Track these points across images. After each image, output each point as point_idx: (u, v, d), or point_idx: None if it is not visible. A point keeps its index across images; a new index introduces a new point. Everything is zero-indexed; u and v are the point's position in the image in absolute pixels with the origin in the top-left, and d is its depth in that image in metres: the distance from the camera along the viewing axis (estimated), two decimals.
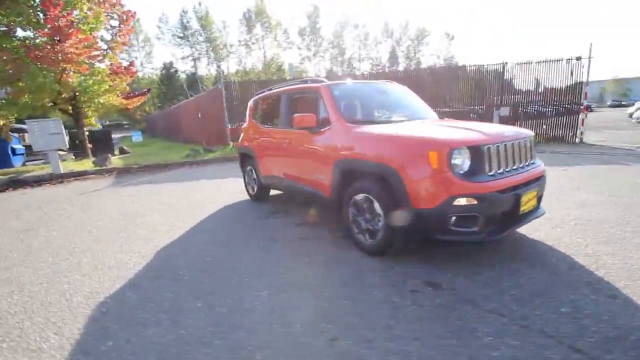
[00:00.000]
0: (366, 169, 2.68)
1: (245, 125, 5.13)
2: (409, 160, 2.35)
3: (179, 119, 19.75)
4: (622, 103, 42.63)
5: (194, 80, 43.37)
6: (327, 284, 2.35)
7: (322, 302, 2.11)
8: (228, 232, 3.60)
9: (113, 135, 15.30)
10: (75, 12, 10.01)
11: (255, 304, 2.13)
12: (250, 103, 4.96)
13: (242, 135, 5.13)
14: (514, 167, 2.50)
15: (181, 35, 41.91)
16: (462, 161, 2.27)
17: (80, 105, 11.66)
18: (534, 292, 2.06)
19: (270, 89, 4.52)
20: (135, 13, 11.77)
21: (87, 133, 12.60)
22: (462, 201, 2.23)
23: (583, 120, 10.14)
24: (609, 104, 47.79)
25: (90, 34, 10.23)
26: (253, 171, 4.72)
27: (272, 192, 4.81)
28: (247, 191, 5.04)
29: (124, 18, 11.68)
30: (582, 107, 10.26)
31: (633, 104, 23.58)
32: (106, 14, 11.17)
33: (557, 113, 10.87)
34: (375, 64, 50.64)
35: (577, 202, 3.84)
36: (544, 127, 10.79)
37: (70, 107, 11.62)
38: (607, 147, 8.56)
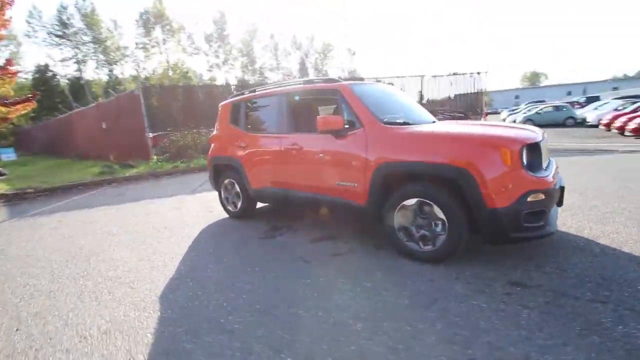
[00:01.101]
0: (424, 171, 2.52)
1: (216, 133, 4.45)
2: (481, 159, 2.27)
3: (70, 132, 16.47)
4: (498, 110, 52.57)
5: (79, 86, 36.80)
6: (415, 303, 2.08)
7: (435, 325, 1.84)
8: (237, 258, 2.98)
9: None
10: None
11: (367, 346, 1.74)
12: (224, 107, 4.32)
13: (214, 144, 4.43)
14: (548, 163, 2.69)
15: (60, 33, 35.10)
16: (529, 158, 2.32)
17: None
18: (606, 276, 2.20)
19: (254, 90, 4.01)
20: (13, 0, 9.32)
21: None
22: (533, 197, 2.26)
23: None
24: (487, 111, 58.21)
25: None
26: (235, 185, 4.09)
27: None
28: (226, 208, 4.34)
29: None
30: (484, 112, 12.18)
31: (501, 112, 29.80)
32: None
33: (464, 118, 12.65)
34: (287, 74, 51.48)
35: None
36: None
37: None
38: None
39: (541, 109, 19.46)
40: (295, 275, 2.56)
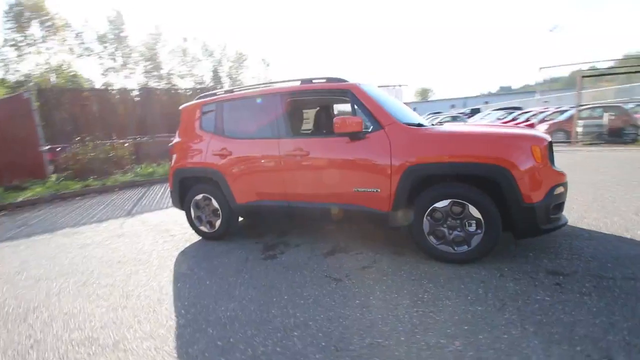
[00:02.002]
0: (460, 171, 2.47)
1: (179, 141, 3.74)
2: (517, 157, 2.33)
3: None
4: None
5: None
6: (489, 308, 1.97)
7: (526, 327, 1.76)
8: (249, 287, 2.47)
9: None
10: None
11: None
12: (189, 110, 3.67)
13: (177, 154, 3.71)
14: None
15: None
16: (550, 154, 2.49)
17: None
18: (615, 255, 2.47)
19: (231, 91, 3.51)
20: None
21: None
22: (558, 190, 2.43)
23: None
24: None
25: None
26: (212, 200, 3.48)
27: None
28: (198, 229, 3.65)
29: None
30: None
31: None
32: None
33: None
34: (199, 82, 48.44)
35: None
36: None
37: None
38: None
39: (442, 119, 22.45)
40: (338, 297, 2.23)
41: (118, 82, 41.79)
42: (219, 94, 3.57)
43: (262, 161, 3.19)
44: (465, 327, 1.80)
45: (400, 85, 13.46)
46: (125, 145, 10.82)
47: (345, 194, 2.86)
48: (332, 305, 2.12)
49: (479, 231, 2.45)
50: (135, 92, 13.19)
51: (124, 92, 12.77)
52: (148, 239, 3.89)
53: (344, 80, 2.99)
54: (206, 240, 3.62)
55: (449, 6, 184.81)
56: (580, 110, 11.31)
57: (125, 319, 2.17)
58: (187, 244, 3.57)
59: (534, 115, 15.11)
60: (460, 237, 2.51)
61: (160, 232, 4.13)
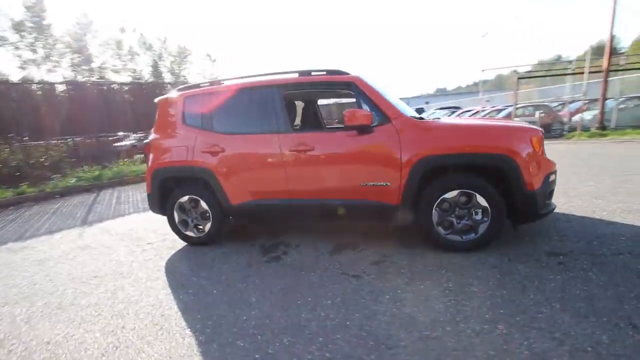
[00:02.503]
0: (470, 162, 2.56)
1: (157, 137, 3.38)
2: (521, 147, 2.47)
3: None
4: None
5: None
6: (518, 293, 2.06)
7: (555, 307, 1.87)
8: (265, 293, 2.30)
9: None
10: None
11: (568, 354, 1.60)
12: (169, 103, 3.33)
13: (154, 153, 3.33)
14: None
15: None
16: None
17: None
18: (597, 234, 2.76)
19: (219, 82, 3.24)
20: None
21: None
22: (551, 177, 2.64)
23: None
24: None
25: None
26: (201, 202, 3.19)
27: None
28: (183, 235, 3.33)
29: None
30: None
31: None
32: None
33: None
34: (137, 77, 44.73)
35: None
36: None
37: None
38: None
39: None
40: (365, 294, 2.17)
41: (40, 76, 36.91)
42: (203, 86, 3.28)
43: (260, 158, 3.01)
44: (501, 311, 1.86)
45: None
46: (61, 146, 9.58)
47: (351, 189, 2.81)
48: (363, 302, 2.06)
49: (485, 219, 2.57)
50: (63, 87, 11.70)
51: (50, 87, 11.25)
52: (121, 249, 3.45)
53: (346, 73, 2.93)
54: (192, 246, 3.32)
55: (388, 9, 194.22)
56: (517, 109, 12.62)
57: (130, 342, 1.88)
58: (172, 252, 3.23)
59: (474, 113, 16.53)
60: (467, 226, 2.61)
61: (132, 240, 3.69)
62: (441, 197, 2.60)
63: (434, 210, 2.63)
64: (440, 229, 2.66)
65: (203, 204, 3.19)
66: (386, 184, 2.71)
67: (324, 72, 2.96)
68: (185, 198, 3.23)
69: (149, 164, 3.34)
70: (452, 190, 2.58)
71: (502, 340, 1.62)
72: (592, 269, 2.23)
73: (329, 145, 2.84)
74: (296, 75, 3.03)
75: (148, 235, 3.80)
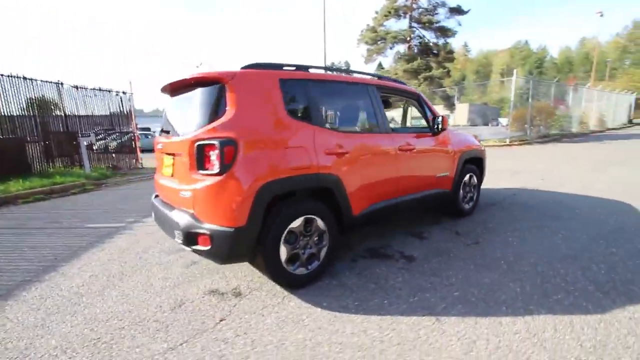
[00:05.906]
0: (475, 155, 3.86)
1: (241, 134, 2.08)
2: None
3: None
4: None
5: None
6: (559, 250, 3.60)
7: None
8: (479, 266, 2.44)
9: None
10: None
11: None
12: (257, 80, 2.21)
13: (255, 157, 2.05)
14: None
15: None
16: None
17: None
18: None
19: (322, 72, 2.58)
20: None
21: None
22: None
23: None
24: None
25: None
26: (318, 222, 2.36)
27: None
28: (290, 277, 2.28)
29: None
30: (135, 134, 11.38)
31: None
32: None
33: (121, 142, 11.15)
34: None
35: None
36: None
37: None
38: None
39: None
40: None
41: None
42: (287, 69, 2.40)
43: (379, 159, 2.77)
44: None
45: (124, 93, 11.05)
46: None
47: (432, 181, 3.34)
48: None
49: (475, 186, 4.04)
50: None
51: None
52: (159, 276, 1.74)
53: (404, 84, 3.40)
54: (290, 289, 2.32)
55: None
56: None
57: None
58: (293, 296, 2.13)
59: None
60: (470, 198, 3.97)
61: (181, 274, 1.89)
62: (464, 180, 3.77)
63: (462, 190, 3.75)
64: (463, 203, 3.82)
65: (320, 224, 2.38)
66: (448, 174, 3.51)
67: (394, 81, 3.26)
68: (300, 220, 2.25)
69: (243, 178, 1.96)
70: (469, 173, 3.83)
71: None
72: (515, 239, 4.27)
73: (422, 143, 3.19)
74: (375, 78, 3.09)
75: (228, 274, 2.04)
